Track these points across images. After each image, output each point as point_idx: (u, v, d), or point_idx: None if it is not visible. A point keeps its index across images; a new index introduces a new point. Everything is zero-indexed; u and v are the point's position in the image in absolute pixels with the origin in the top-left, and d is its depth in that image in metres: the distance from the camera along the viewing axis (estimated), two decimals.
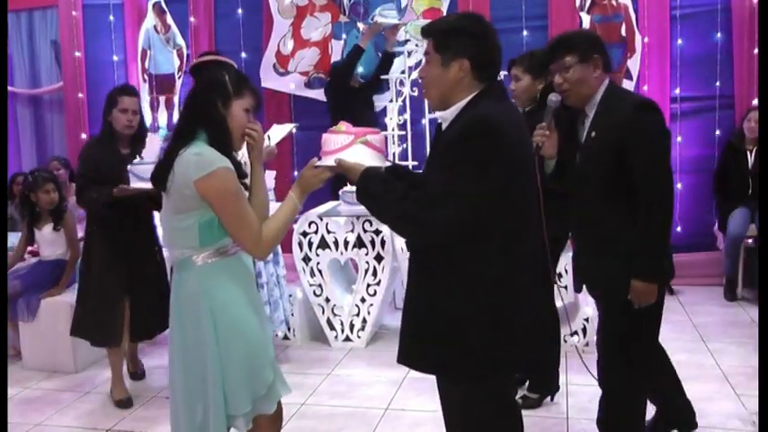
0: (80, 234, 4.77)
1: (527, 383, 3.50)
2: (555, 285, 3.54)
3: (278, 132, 4.24)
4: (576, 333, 4.16)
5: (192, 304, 2.17)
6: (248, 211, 2.14)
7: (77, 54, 6.60)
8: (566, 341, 3.98)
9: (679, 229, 5.64)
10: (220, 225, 2.13)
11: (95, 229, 3.78)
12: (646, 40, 5.51)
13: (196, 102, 2.21)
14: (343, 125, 2.20)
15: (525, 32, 5.65)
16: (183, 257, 2.18)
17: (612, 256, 2.48)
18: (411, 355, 2.04)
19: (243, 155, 2.33)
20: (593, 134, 2.51)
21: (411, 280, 2.08)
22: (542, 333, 2.12)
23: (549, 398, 3.49)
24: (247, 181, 2.29)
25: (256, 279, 3.69)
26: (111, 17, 6.57)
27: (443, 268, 1.94)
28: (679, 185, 5.63)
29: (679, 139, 5.63)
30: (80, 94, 6.66)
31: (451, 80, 1.95)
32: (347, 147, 2.11)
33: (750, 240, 5.11)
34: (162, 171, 2.16)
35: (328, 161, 2.14)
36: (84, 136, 6.66)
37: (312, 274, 4.52)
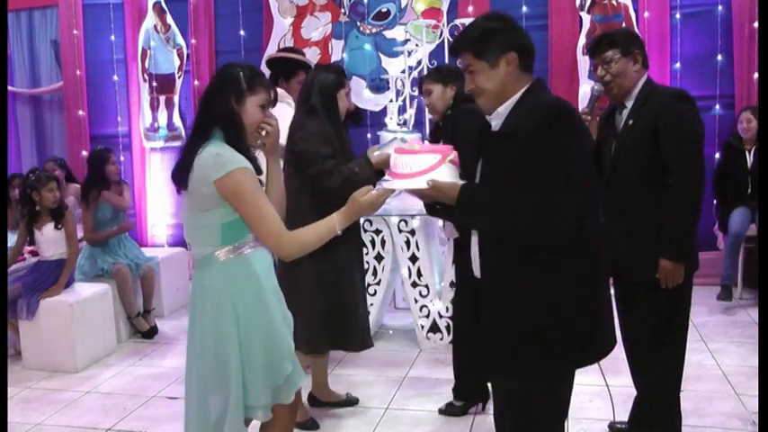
0: (78, 234, 4.79)
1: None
2: None
3: None
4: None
5: (214, 299, 2.20)
6: (267, 208, 2.17)
7: (77, 54, 6.60)
8: None
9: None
10: (242, 223, 2.18)
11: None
12: (646, 39, 5.52)
13: (211, 99, 2.24)
14: (416, 143, 2.08)
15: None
16: (206, 254, 2.21)
17: (651, 242, 2.57)
18: (510, 364, 1.95)
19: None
20: (631, 122, 2.64)
21: (498, 287, 1.95)
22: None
23: (479, 406, 3.44)
24: (263, 178, 2.33)
25: None
26: (111, 16, 6.57)
27: (545, 264, 1.88)
28: None
29: None
30: (80, 94, 6.66)
31: (504, 76, 1.95)
32: (436, 167, 1.95)
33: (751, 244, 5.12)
34: (182, 170, 2.19)
35: (415, 183, 1.96)
36: (84, 136, 6.67)
37: None
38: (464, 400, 3.41)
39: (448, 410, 3.41)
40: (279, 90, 3.83)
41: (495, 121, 2.01)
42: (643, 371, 2.73)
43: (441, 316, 4.36)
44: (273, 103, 2.29)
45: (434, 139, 3.60)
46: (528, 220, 1.83)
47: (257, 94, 2.22)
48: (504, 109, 1.97)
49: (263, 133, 2.27)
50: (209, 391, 2.21)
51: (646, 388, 2.73)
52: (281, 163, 2.97)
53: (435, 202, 2.06)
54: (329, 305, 3.20)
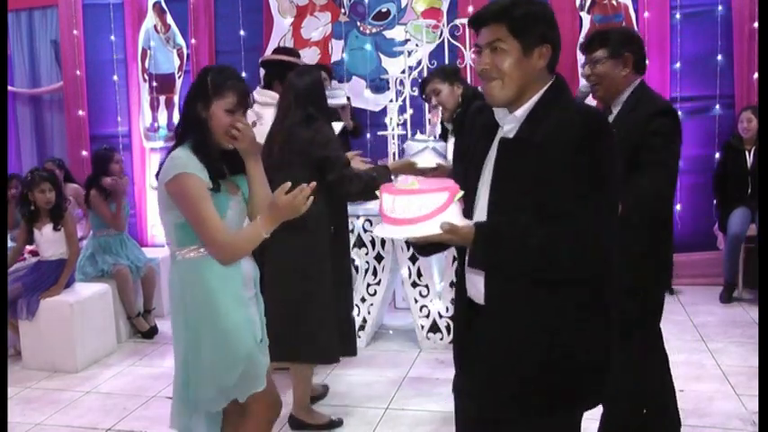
0: (78, 234, 4.79)
1: None
2: None
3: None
4: None
5: (173, 296, 2.32)
6: (208, 216, 2.17)
7: (77, 54, 6.60)
8: None
9: (678, 211, 5.66)
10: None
11: (341, 224, 3.39)
12: (646, 39, 5.51)
13: (185, 104, 2.30)
14: (413, 179, 1.74)
15: None
16: (172, 252, 2.31)
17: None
18: (510, 412, 1.73)
19: None
20: (614, 130, 2.54)
21: (504, 317, 1.71)
22: None
23: None
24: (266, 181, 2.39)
25: None
26: (111, 16, 6.57)
27: (558, 290, 1.66)
28: (678, 185, 5.65)
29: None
30: (80, 94, 6.65)
31: (532, 69, 1.69)
32: (444, 208, 1.63)
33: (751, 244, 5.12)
34: (157, 172, 2.29)
35: (425, 230, 1.63)
36: (84, 136, 6.66)
37: None
38: None
39: None
40: (272, 93, 3.86)
41: (509, 124, 1.73)
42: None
43: (441, 316, 4.36)
44: (246, 105, 2.26)
45: (445, 139, 3.59)
46: (569, 254, 1.60)
47: (224, 99, 2.21)
48: (522, 112, 1.71)
49: (234, 136, 2.24)
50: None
51: (609, 410, 2.67)
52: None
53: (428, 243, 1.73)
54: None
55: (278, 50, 4.56)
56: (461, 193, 1.67)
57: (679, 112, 5.49)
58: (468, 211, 1.75)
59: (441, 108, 3.49)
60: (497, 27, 1.68)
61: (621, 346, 2.53)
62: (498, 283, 1.70)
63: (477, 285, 1.75)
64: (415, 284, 4.40)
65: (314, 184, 2.20)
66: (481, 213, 1.73)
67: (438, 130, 3.83)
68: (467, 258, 1.72)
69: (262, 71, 4.17)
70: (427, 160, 3.31)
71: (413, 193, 1.64)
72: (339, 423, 3.39)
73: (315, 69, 3.50)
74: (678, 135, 2.47)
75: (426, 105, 4.44)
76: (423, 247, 1.83)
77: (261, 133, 3.90)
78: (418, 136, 3.65)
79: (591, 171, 1.59)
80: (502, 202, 1.69)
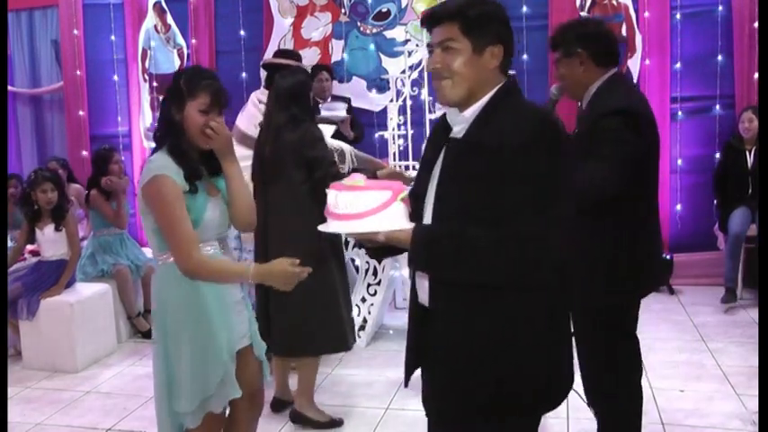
0: (79, 234, 4.79)
1: None
2: None
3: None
4: (574, 334, 4.15)
5: (154, 301, 2.31)
6: (179, 221, 2.15)
7: (77, 54, 6.60)
8: None
9: (678, 211, 5.67)
10: None
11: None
12: (646, 39, 5.51)
13: (160, 109, 2.30)
14: (360, 177, 1.75)
15: (525, 32, 5.65)
16: (155, 257, 2.30)
17: (590, 266, 2.39)
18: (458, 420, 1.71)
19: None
20: (577, 130, 2.51)
21: (448, 323, 1.68)
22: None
23: None
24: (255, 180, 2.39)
25: None
26: (112, 16, 6.56)
27: (507, 298, 1.62)
28: (678, 185, 5.66)
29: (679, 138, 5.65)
30: (80, 94, 6.65)
31: (483, 69, 1.66)
32: (386, 206, 1.63)
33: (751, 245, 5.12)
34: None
35: (361, 226, 1.64)
36: (84, 136, 6.66)
37: None
38: None
39: None
40: (256, 93, 3.86)
41: (459, 125, 1.70)
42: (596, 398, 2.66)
43: None
44: (221, 105, 2.24)
45: None
46: (509, 261, 1.55)
47: (197, 99, 2.20)
48: (470, 112, 1.68)
49: (209, 136, 2.22)
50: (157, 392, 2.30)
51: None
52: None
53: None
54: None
55: (279, 53, 4.56)
56: (405, 192, 1.66)
57: (679, 113, 5.61)
58: (420, 216, 1.73)
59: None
60: (450, 26, 1.66)
61: (620, 347, 2.55)
62: (442, 287, 1.68)
63: (424, 288, 1.74)
64: None
65: (309, 269, 2.18)
66: (430, 217, 1.71)
67: None
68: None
69: (263, 72, 4.17)
70: None
71: (356, 189, 1.65)
72: (340, 423, 3.40)
73: (299, 71, 3.53)
74: (630, 132, 2.31)
75: (427, 104, 4.44)
76: (374, 250, 1.81)
77: None
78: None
79: (537, 176, 1.54)
80: (446, 206, 1.66)
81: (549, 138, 1.58)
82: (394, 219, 1.63)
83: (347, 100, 5.39)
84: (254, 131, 3.93)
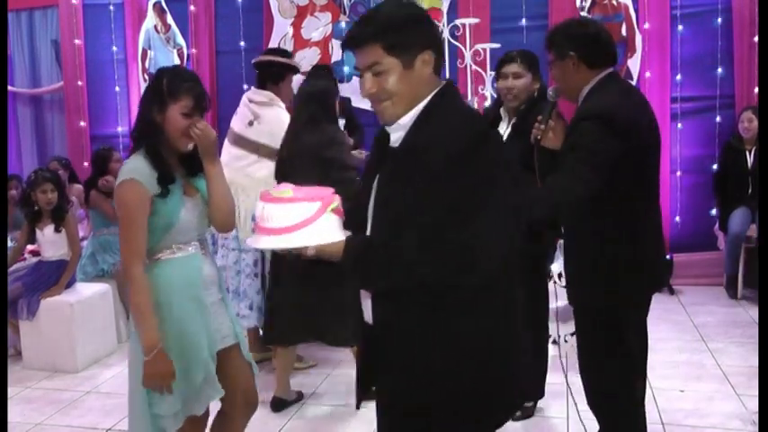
0: (80, 234, 4.79)
1: None
2: (553, 285, 3.52)
3: None
4: (575, 333, 4.15)
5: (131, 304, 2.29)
6: (134, 233, 2.15)
7: (77, 54, 6.60)
8: (566, 341, 3.98)
9: (679, 211, 5.68)
10: (151, 231, 2.18)
11: None
12: (646, 39, 5.51)
13: (139, 109, 2.28)
14: (289, 188, 1.64)
15: (525, 32, 5.65)
16: None
17: (586, 264, 2.45)
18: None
19: None
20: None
21: (392, 338, 1.66)
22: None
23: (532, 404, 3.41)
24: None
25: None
26: (112, 16, 6.57)
27: (453, 309, 1.59)
28: (679, 185, 5.66)
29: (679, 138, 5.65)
30: (80, 94, 6.66)
31: (418, 80, 1.61)
32: (315, 218, 1.55)
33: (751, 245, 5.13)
34: None
35: (289, 241, 1.57)
36: (84, 136, 6.66)
37: None
38: (532, 401, 3.35)
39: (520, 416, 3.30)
40: (269, 93, 3.87)
41: (396, 133, 1.65)
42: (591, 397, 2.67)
43: None
44: (203, 108, 2.23)
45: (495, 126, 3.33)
46: (442, 273, 1.52)
47: (179, 102, 2.18)
48: (408, 119, 1.62)
49: (196, 135, 2.21)
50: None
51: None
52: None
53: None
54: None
55: (269, 52, 4.51)
56: (336, 202, 1.59)
57: (679, 113, 5.61)
58: (364, 227, 1.69)
59: (508, 93, 3.12)
60: (373, 49, 1.59)
61: (621, 347, 2.54)
62: (381, 305, 1.66)
63: (368, 307, 1.71)
64: None
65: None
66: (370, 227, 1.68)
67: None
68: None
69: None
70: None
71: (283, 201, 1.56)
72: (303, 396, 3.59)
73: (326, 75, 3.65)
74: (606, 138, 2.28)
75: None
76: (311, 263, 1.69)
77: (260, 132, 3.91)
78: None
79: (463, 185, 1.49)
80: (383, 215, 1.62)
81: (474, 147, 1.52)
82: (324, 231, 1.55)
83: (347, 100, 5.39)
84: (246, 132, 3.93)
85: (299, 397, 3.64)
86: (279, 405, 3.52)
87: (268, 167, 3.69)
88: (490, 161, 1.53)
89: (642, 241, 2.44)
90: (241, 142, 3.93)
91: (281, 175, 3.37)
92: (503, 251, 1.56)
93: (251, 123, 3.92)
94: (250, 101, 3.98)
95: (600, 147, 2.28)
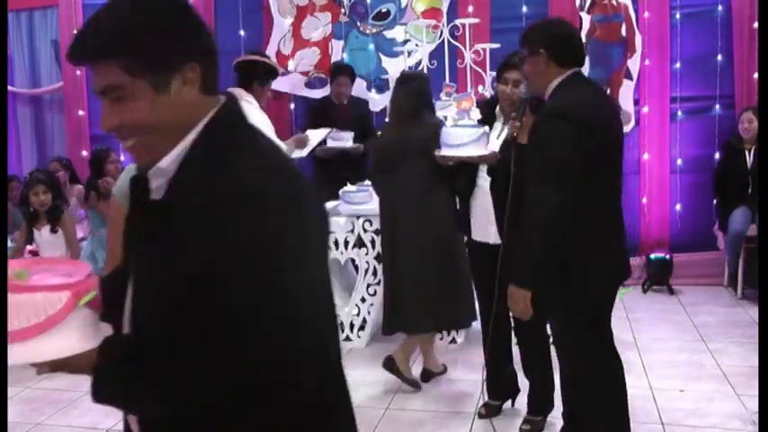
0: (80, 234, 4.79)
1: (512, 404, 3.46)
2: None
3: (315, 137, 4.56)
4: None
5: None
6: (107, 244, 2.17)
7: None
8: None
9: (678, 211, 5.67)
10: None
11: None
12: (646, 39, 5.51)
13: None
14: (24, 268, 1.16)
15: None
16: None
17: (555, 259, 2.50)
18: None
19: None
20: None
21: None
22: None
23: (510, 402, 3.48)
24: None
25: None
26: None
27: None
28: (679, 185, 5.66)
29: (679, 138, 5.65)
30: (80, 94, 6.66)
31: (180, 106, 1.12)
32: (62, 317, 1.12)
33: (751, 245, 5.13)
34: None
35: (28, 353, 1.12)
36: (84, 136, 6.67)
37: None
38: (498, 398, 3.40)
39: (490, 413, 3.36)
40: (238, 90, 3.83)
41: (156, 180, 1.14)
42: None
43: None
44: None
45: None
46: (197, 383, 1.06)
47: None
48: (170, 161, 1.12)
49: None
50: None
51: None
52: None
53: None
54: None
55: (252, 53, 4.46)
56: (93, 293, 1.17)
57: (679, 113, 5.61)
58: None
59: (507, 99, 3.08)
60: (106, 67, 1.10)
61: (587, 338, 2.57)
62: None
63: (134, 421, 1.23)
64: None
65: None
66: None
67: (476, 114, 3.42)
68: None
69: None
70: (479, 149, 3.09)
71: (17, 291, 1.07)
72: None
73: (424, 77, 3.94)
74: (560, 138, 2.36)
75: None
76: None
77: None
78: (465, 121, 3.23)
79: (251, 249, 1.02)
80: (142, 300, 1.15)
81: (252, 201, 1.04)
82: (69, 338, 1.11)
83: (365, 103, 5.42)
84: None
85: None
86: (426, 375, 3.81)
87: None
88: (279, 225, 1.05)
89: (602, 239, 2.51)
90: None
91: (387, 164, 3.67)
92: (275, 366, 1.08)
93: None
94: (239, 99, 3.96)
95: (554, 151, 2.38)
